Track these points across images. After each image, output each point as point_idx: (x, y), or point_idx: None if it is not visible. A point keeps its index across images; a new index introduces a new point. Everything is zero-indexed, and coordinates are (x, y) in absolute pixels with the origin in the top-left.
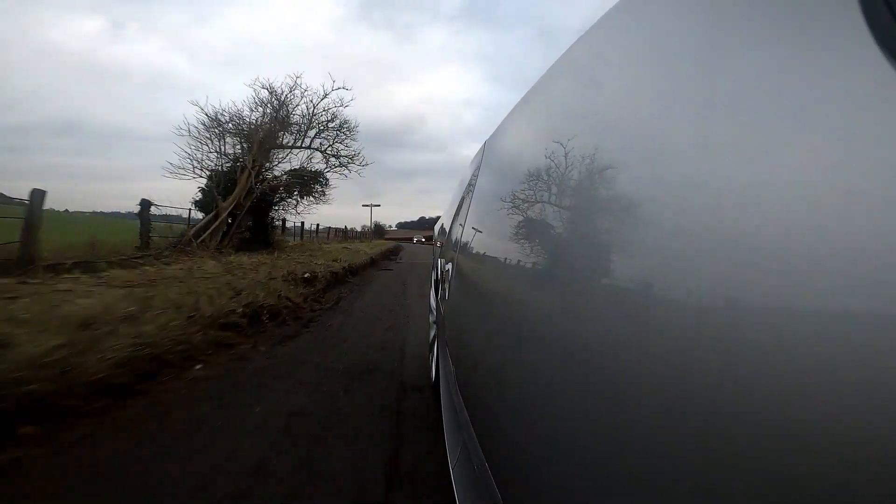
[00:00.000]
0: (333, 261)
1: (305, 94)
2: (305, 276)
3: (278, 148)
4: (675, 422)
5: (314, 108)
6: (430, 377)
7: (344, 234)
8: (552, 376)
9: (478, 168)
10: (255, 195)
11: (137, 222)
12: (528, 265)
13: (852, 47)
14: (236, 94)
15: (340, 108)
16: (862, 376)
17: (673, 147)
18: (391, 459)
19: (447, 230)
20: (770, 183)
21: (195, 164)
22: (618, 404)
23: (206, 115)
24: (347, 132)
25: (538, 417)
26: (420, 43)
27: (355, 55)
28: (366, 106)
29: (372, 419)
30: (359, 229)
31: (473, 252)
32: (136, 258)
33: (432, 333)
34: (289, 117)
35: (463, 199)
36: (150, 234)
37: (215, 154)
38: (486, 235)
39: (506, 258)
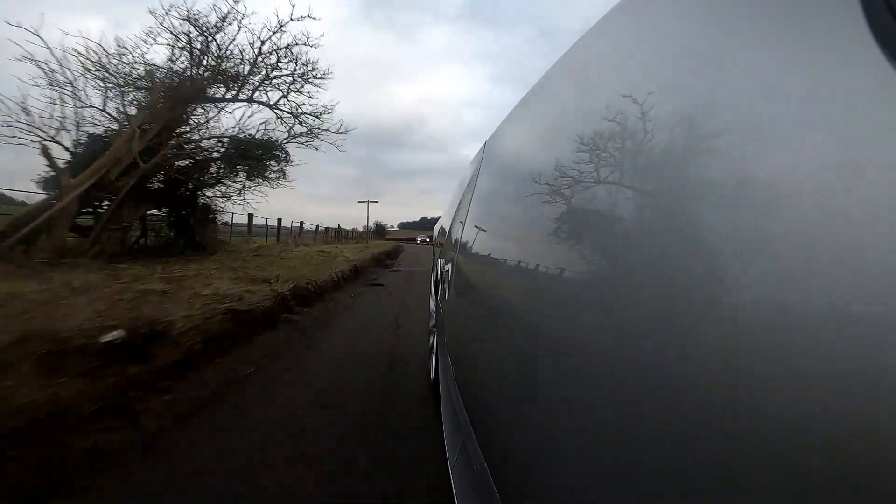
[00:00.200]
0: (267, 281)
1: (248, 22)
2: (113, 339)
3: (201, 102)
4: (675, 422)
5: (261, 44)
6: (428, 377)
7: (337, 235)
8: (551, 376)
9: (478, 168)
10: (156, 169)
11: None
12: (528, 265)
13: (853, 47)
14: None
15: (304, 45)
16: (862, 376)
17: (673, 147)
18: None
19: (447, 230)
20: (771, 183)
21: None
22: (617, 404)
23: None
24: (314, 78)
25: (537, 418)
26: (421, 43)
27: (356, 55)
28: (367, 106)
29: None
30: (359, 229)
31: (473, 252)
32: None
33: (431, 335)
34: (224, 59)
35: (463, 199)
36: None
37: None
38: (486, 235)
39: (506, 258)
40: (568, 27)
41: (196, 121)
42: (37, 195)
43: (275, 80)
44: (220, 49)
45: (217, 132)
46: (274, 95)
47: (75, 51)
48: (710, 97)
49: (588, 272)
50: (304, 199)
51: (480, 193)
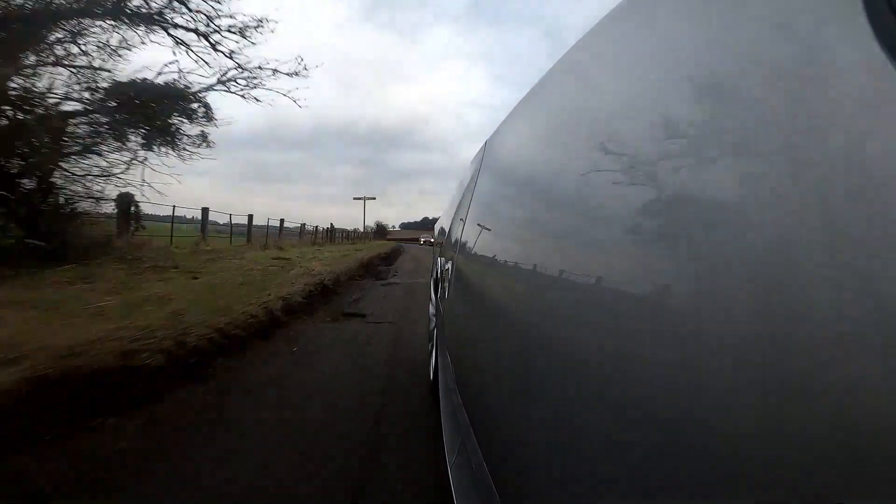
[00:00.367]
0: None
1: None
2: None
3: (50, 22)
4: (674, 423)
5: None
6: (428, 377)
7: (329, 235)
8: (551, 376)
9: (478, 168)
10: None
11: None
12: (528, 265)
13: (855, 48)
14: None
15: None
16: (862, 376)
17: (673, 148)
18: None
19: (447, 230)
20: (771, 183)
21: None
22: (616, 405)
23: None
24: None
25: (537, 417)
26: (424, 43)
27: (357, 55)
28: (368, 106)
29: None
30: (360, 229)
31: (473, 252)
32: None
33: (431, 336)
34: None
35: (463, 198)
36: None
37: None
38: (486, 235)
39: (505, 258)
40: (572, 27)
41: (44, 57)
42: None
43: None
44: None
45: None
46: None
47: None
48: (711, 97)
49: (587, 272)
50: (304, 200)
51: (480, 193)
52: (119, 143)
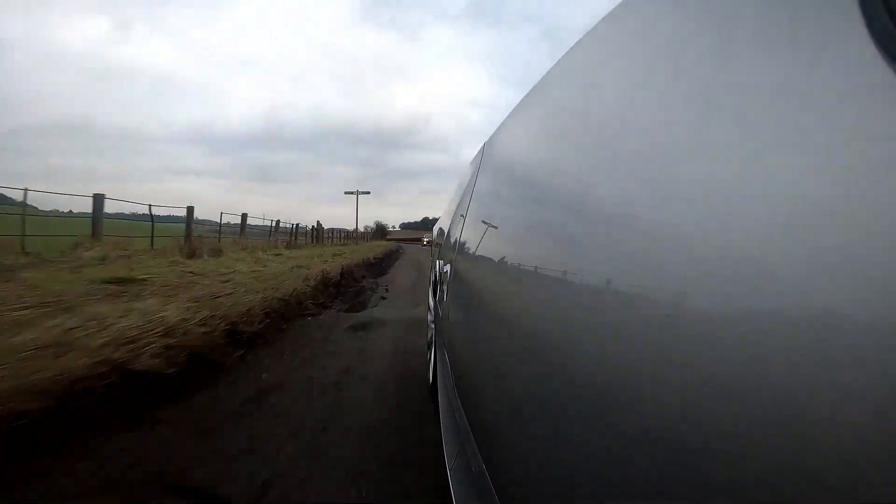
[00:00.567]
0: None
1: None
2: None
3: None
4: (674, 424)
5: None
6: (427, 379)
7: (315, 236)
8: (551, 378)
9: (477, 169)
10: None
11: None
12: (527, 267)
13: (851, 48)
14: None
15: None
16: (862, 376)
17: (673, 148)
18: None
19: (445, 231)
20: (771, 184)
21: None
22: (616, 406)
23: None
24: None
25: (537, 420)
26: (425, 43)
27: (358, 55)
28: (369, 107)
29: None
30: (360, 229)
31: (472, 253)
32: None
33: (430, 335)
34: None
35: (462, 199)
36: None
37: None
38: (485, 237)
39: (504, 260)
40: (573, 27)
41: None
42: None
43: None
44: None
45: None
46: None
47: None
48: (711, 97)
49: (587, 274)
50: (304, 200)
51: (479, 194)
52: None
